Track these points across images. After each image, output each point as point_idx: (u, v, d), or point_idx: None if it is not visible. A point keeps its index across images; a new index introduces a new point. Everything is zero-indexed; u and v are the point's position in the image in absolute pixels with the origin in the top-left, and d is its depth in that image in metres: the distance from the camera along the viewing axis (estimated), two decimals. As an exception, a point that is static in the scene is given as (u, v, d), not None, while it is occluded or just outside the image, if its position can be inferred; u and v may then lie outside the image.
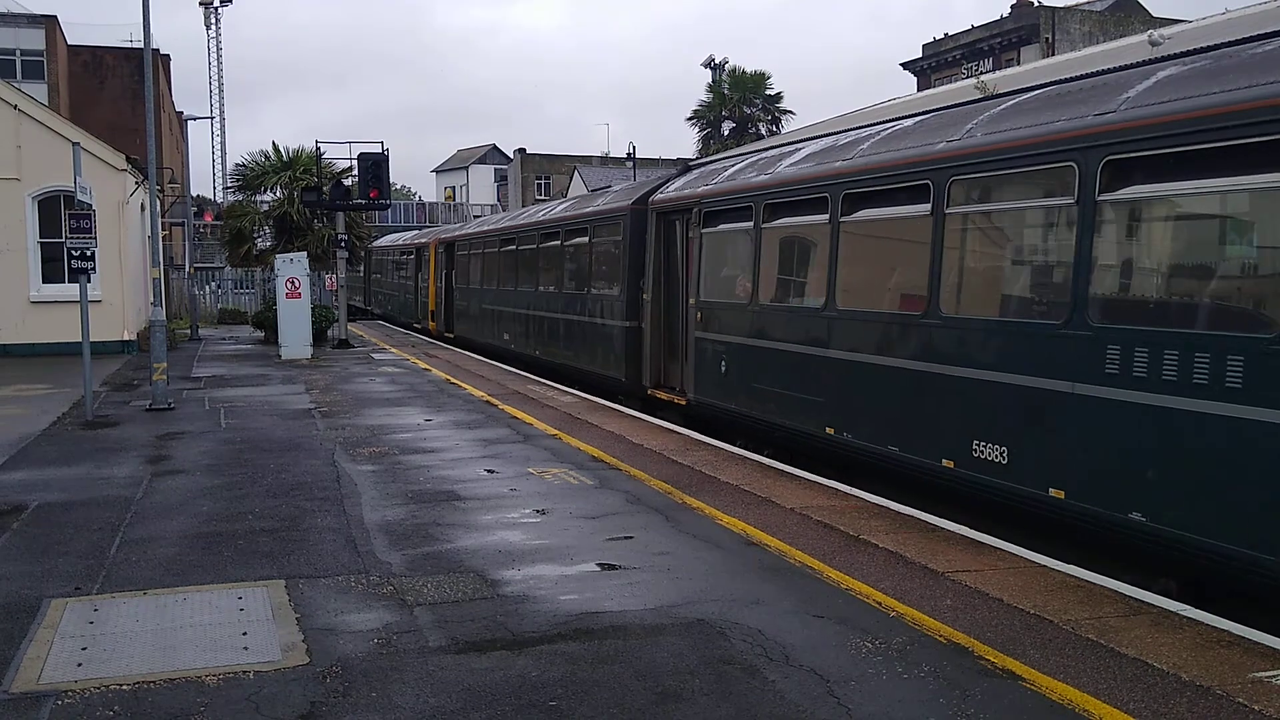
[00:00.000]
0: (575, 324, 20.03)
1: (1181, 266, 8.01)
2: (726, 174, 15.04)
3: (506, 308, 25.40)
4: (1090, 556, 7.96)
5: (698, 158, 41.09)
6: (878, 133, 11.68)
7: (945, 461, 9.59)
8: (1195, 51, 8.28)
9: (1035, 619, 6.56)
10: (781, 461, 12.00)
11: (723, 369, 13.97)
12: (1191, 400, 7.11)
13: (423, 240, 37.31)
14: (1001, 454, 8.89)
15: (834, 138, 13.02)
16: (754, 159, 14.86)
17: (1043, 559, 7.99)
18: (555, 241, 21.80)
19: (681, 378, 15.50)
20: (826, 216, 11.59)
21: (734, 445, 13.05)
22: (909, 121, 11.46)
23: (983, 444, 9.09)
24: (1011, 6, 48.15)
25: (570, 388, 19.01)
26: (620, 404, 16.92)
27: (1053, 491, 8.32)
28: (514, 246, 25.09)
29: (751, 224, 13.37)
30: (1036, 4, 46.71)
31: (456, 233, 33.28)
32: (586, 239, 19.74)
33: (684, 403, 15.25)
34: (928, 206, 9.93)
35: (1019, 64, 41.38)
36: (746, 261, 13.64)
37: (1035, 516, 8.69)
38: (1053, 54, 39.61)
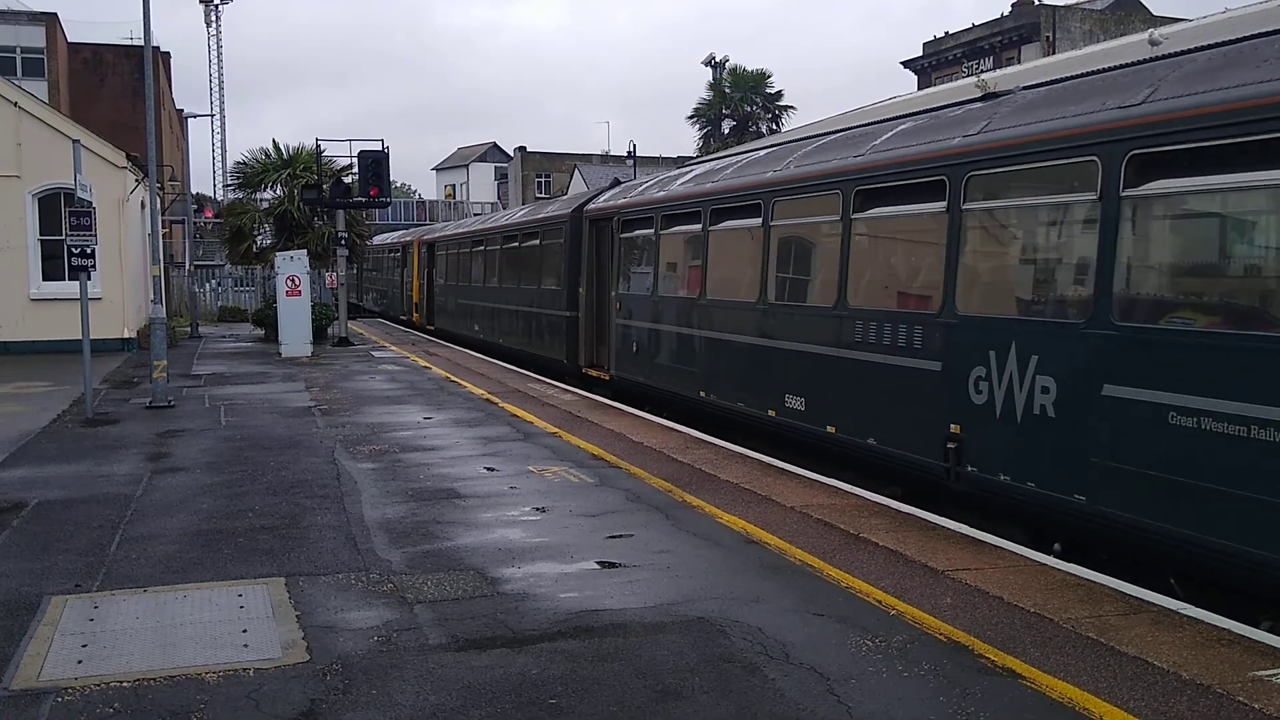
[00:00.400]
0: (530, 315, 22.99)
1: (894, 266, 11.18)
2: (639, 189, 18.44)
3: (477, 302, 28.42)
4: (856, 478, 10.62)
5: (698, 156, 41.07)
6: (738, 163, 15.02)
7: (770, 411, 12.60)
8: (1198, 49, 8.37)
9: (1035, 617, 6.56)
10: (669, 420, 14.80)
11: (634, 349, 17.14)
12: (885, 356, 10.36)
13: (408, 240, 40.09)
14: (801, 403, 11.90)
15: (711, 164, 16.73)
16: (662, 178, 18.47)
17: (1043, 558, 7.99)
18: (514, 244, 24.73)
19: (607, 357, 18.50)
20: (700, 226, 14.72)
21: (644, 411, 15.69)
22: (762, 153, 14.90)
23: (791, 397, 12.10)
24: (1012, 5, 48.12)
25: (526, 370, 21.69)
26: (567, 383, 19.53)
27: (828, 429, 11.34)
28: (482, 247, 28.10)
29: (653, 231, 16.48)
30: (1037, 3, 46.68)
31: (436, 234, 36.16)
32: (538, 242, 22.75)
33: (608, 378, 18.35)
34: (759, 221, 13.03)
35: (1019, 62, 41.37)
36: (650, 261, 16.86)
37: (819, 448, 11.66)
38: (1053, 52, 39.59)
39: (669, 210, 16.04)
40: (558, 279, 21.01)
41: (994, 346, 8.84)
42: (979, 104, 10.35)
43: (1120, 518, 7.66)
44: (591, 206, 19.86)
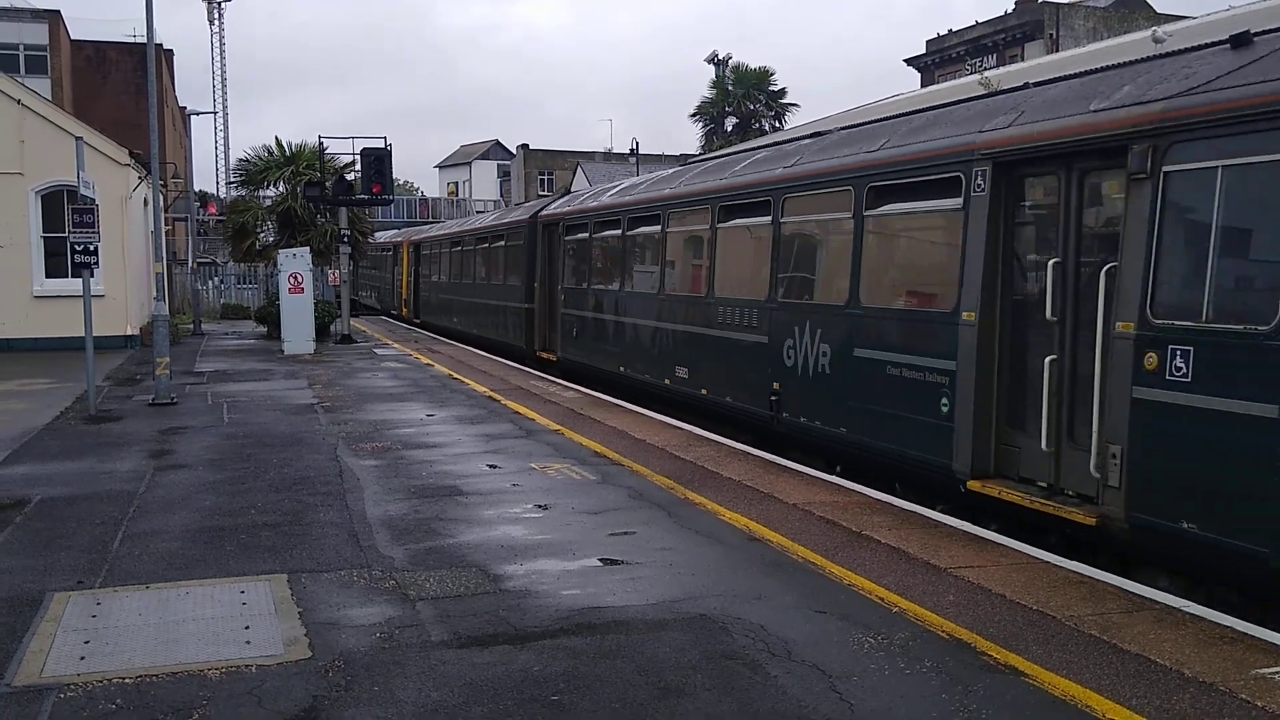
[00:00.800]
0: (497, 307, 26.14)
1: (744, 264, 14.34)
2: (580, 199, 22.11)
3: (455, 296, 31.53)
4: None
5: (700, 154, 41.03)
6: (650, 181, 18.75)
7: (665, 380, 15.83)
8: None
9: (1038, 615, 6.56)
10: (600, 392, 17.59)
11: (574, 334, 20.35)
12: (737, 333, 13.50)
13: (398, 240, 43.50)
14: (686, 373, 15.14)
15: (633, 181, 20.75)
16: (596, 190, 22.33)
17: (1045, 555, 7.98)
18: (485, 244, 27.71)
19: (555, 342, 21.78)
20: (619, 232, 18.10)
21: (595, 390, 18.03)
22: (668, 172, 18.90)
23: (679, 368, 15.33)
24: (1015, 2, 48.05)
25: (495, 355, 24.59)
26: (526, 365, 22.58)
27: (703, 391, 14.54)
28: (459, 248, 31.05)
29: (587, 235, 19.96)
30: (1040, 0, 46.59)
31: (421, 235, 39.17)
32: (503, 243, 25.78)
33: (555, 359, 21.60)
34: (658, 229, 16.53)
35: (1023, 60, 41.34)
36: (585, 259, 20.30)
37: (698, 407, 14.82)
38: (1057, 50, 39.54)
39: (598, 218, 19.57)
40: (518, 276, 24.23)
41: (798, 324, 12.05)
42: (804, 140, 14.04)
43: (864, 441, 10.83)
44: (544, 213, 23.05)
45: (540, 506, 9.51)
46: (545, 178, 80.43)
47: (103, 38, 53.76)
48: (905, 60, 51.32)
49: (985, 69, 33.84)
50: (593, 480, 10.62)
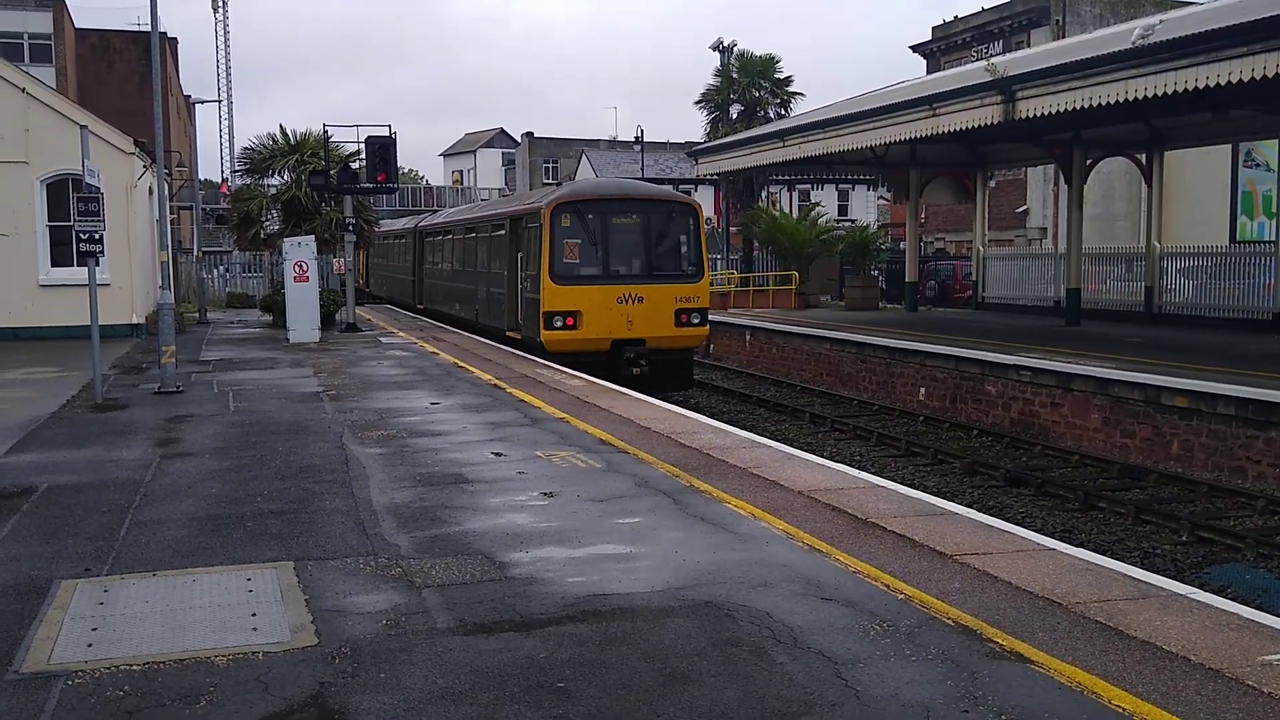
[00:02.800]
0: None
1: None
2: (444, 213, 37.94)
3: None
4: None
5: (705, 142, 40.95)
6: (452, 210, 38.76)
7: (459, 310, 29.72)
8: None
9: (1043, 601, 6.56)
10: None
11: (431, 293, 34.63)
12: (458, 282, 30.36)
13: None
14: (473, 311, 27.55)
15: (457, 209, 38.74)
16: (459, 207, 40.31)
17: (1051, 542, 7.99)
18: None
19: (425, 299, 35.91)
20: (440, 237, 33.27)
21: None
22: (466, 205, 40.04)
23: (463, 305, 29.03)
24: (1021, -12, 47.71)
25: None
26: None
27: (478, 320, 27.23)
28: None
29: (432, 236, 35.28)
30: (1047, -14, 46.28)
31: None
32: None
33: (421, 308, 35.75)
34: (452, 236, 31.04)
35: (1029, 46, 41.17)
36: (432, 251, 35.20)
37: (471, 326, 27.24)
38: (1063, 36, 39.37)
39: (430, 227, 35.02)
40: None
41: (461, 279, 29.10)
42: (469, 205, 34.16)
43: (470, 320, 27.43)
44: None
45: (546, 494, 9.51)
46: (550, 166, 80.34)
47: (107, 26, 53.71)
48: (911, 47, 51.10)
49: (992, 55, 33.73)
50: (598, 468, 10.62)
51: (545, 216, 20.94)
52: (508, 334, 24.08)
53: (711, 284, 26.68)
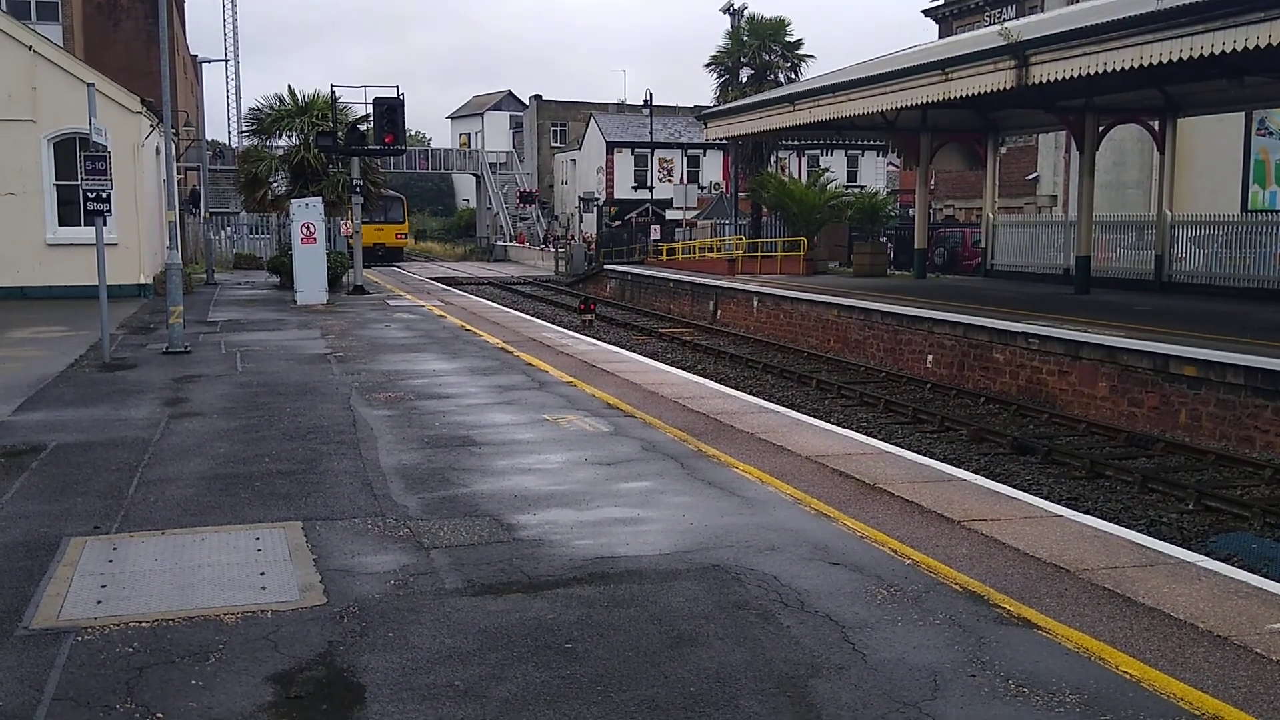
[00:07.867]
0: None
1: None
2: None
3: None
4: None
5: (714, 106, 40.66)
6: None
7: None
8: None
9: (1051, 568, 6.56)
10: None
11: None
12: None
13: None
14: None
15: None
16: None
17: (1059, 509, 7.98)
18: None
19: None
20: None
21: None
22: None
23: None
24: (1036, -48, 47.21)
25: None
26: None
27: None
28: None
29: None
30: (1062, -50, 45.77)
31: None
32: None
33: None
34: None
35: (1043, 10, 40.73)
36: None
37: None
38: (1078, 0, 38.91)
39: None
40: None
41: None
42: None
43: None
44: None
45: (553, 457, 9.51)
46: (558, 129, 79.90)
47: (113, -16, 53.21)
48: (923, 11, 50.60)
49: (1005, 20, 33.37)
50: (606, 432, 10.62)
51: None
52: None
53: (720, 249, 26.25)
